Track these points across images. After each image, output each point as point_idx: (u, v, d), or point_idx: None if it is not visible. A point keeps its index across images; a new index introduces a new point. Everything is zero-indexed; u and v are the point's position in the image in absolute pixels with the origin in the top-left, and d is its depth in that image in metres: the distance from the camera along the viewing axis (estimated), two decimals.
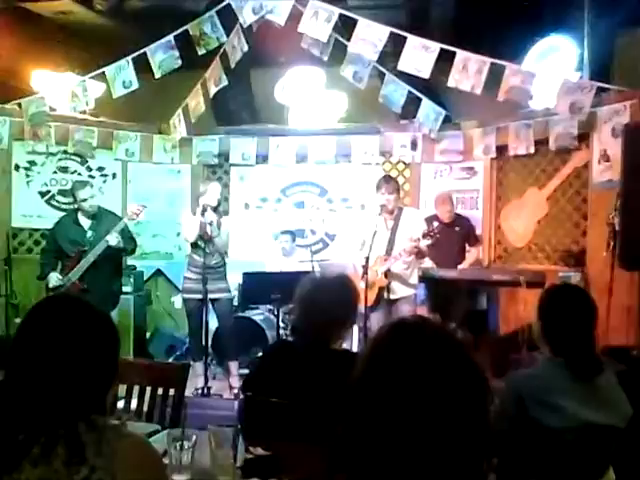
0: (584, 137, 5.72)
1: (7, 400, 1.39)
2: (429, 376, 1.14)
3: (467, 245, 6.35)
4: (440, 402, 1.12)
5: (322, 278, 2.86)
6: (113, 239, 5.25)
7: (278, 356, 2.55)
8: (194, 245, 5.47)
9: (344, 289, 2.56)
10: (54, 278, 5.32)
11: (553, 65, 5.83)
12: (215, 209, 5.47)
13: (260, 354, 2.57)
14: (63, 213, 6.56)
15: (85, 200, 5.40)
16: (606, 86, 5.29)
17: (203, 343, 5.48)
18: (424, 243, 5.07)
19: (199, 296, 5.33)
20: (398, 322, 1.27)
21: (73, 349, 1.41)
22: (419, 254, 5.20)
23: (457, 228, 6.27)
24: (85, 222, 5.47)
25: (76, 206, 5.52)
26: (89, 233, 5.40)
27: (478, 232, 6.56)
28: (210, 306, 5.51)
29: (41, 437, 1.33)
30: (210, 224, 5.33)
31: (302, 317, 2.50)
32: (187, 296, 5.50)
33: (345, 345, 5.96)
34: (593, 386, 2.28)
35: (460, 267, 6.07)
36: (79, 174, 7.05)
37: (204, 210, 5.32)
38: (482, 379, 1.18)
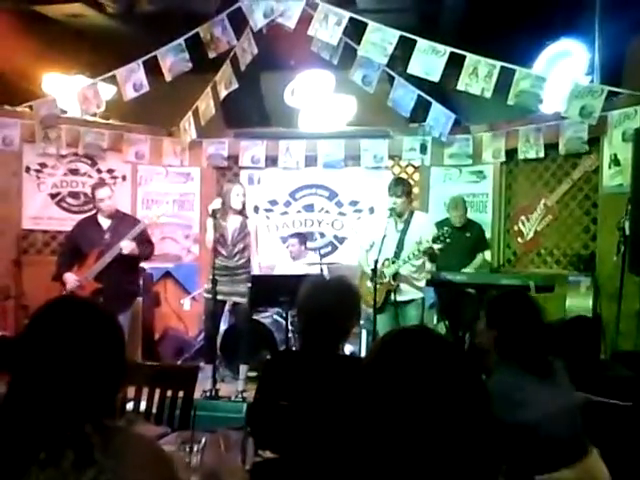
0: (594, 141, 5.71)
1: (14, 405, 1.39)
2: (429, 386, 1.15)
3: (476, 251, 6.32)
4: (439, 411, 1.13)
5: (322, 280, 2.84)
6: (127, 247, 5.29)
7: (282, 365, 2.53)
8: (214, 248, 5.50)
9: (346, 290, 2.52)
10: (71, 280, 5.34)
11: (563, 69, 5.81)
12: (240, 212, 5.52)
13: (263, 367, 2.53)
14: (73, 215, 6.62)
15: (102, 200, 5.44)
16: (617, 90, 5.27)
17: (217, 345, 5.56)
18: (435, 247, 5.06)
19: (217, 297, 5.39)
20: (400, 331, 1.28)
21: (78, 351, 1.40)
22: (431, 256, 5.19)
23: (468, 234, 6.25)
24: (104, 222, 5.49)
25: (95, 206, 5.56)
26: (107, 235, 5.42)
27: (487, 236, 6.55)
28: (226, 308, 5.62)
29: (49, 441, 1.33)
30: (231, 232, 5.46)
31: (306, 321, 2.48)
32: (206, 296, 5.58)
33: (353, 348, 6.01)
34: (551, 379, 2.36)
35: (465, 270, 6.05)
36: (89, 176, 7.08)
37: (214, 216, 5.38)
38: (483, 390, 1.19)
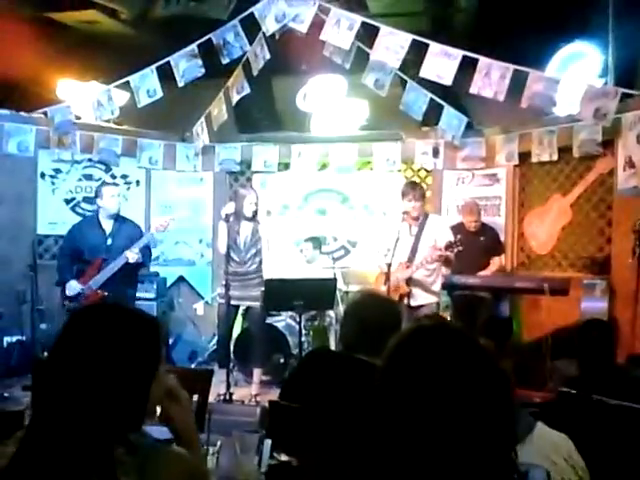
0: (608, 143, 5.67)
1: (42, 423, 1.34)
2: (449, 381, 1.13)
3: (490, 255, 6.27)
4: (462, 406, 1.11)
5: (376, 293, 3.04)
6: (132, 256, 5.31)
7: (319, 362, 2.59)
8: (226, 253, 5.51)
9: (396, 307, 2.75)
10: (73, 287, 5.35)
11: (577, 71, 5.79)
12: (251, 219, 5.53)
13: (299, 360, 2.63)
14: None
15: (107, 197, 5.46)
16: (631, 92, 5.23)
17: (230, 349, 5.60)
18: (448, 254, 5.04)
19: (230, 302, 5.41)
20: (417, 327, 1.27)
21: (116, 362, 1.35)
22: (446, 261, 5.18)
23: (482, 238, 6.21)
24: (106, 224, 5.49)
25: (99, 205, 5.53)
26: (109, 240, 5.43)
27: (502, 239, 6.51)
28: (240, 312, 5.68)
29: (78, 462, 1.28)
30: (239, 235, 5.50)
31: (357, 332, 2.52)
32: (219, 301, 5.61)
33: None
34: None
35: (479, 273, 6.02)
36: (104, 182, 7.13)
37: (227, 220, 5.39)
38: (506, 382, 1.17)
